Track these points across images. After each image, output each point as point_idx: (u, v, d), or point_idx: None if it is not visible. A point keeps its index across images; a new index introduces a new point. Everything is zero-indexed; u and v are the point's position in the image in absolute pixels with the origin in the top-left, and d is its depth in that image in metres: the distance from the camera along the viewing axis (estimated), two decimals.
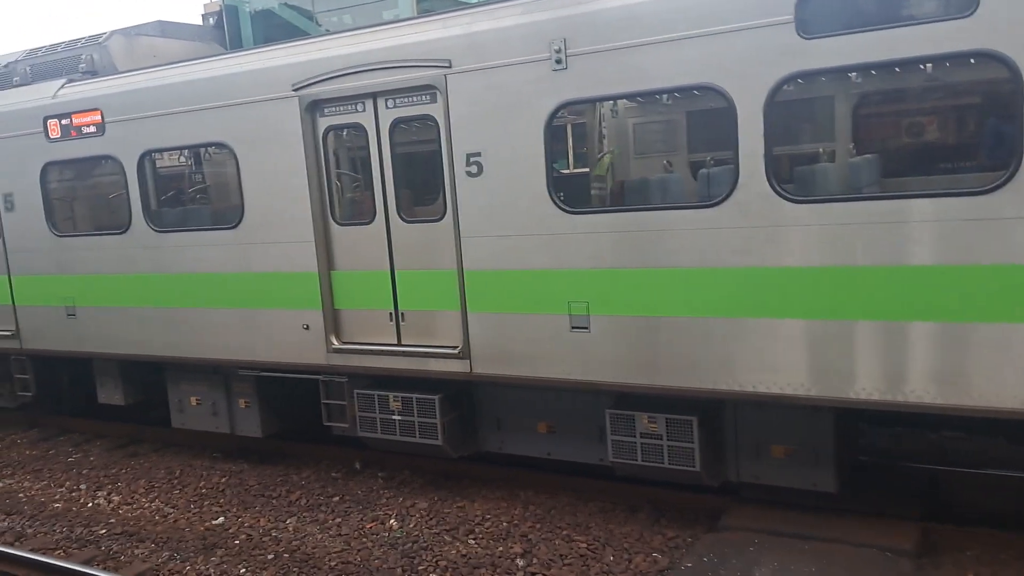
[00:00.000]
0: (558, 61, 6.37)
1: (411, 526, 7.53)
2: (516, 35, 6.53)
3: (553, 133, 6.63)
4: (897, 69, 5.62)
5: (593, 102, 6.73)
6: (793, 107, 6.18)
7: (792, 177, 6.07)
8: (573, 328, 6.69)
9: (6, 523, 8.44)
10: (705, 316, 6.18)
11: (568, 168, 7.92)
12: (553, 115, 6.51)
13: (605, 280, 6.51)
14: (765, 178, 5.80)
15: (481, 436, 7.89)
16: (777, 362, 5.98)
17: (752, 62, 5.70)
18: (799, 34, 5.53)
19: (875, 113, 6.61)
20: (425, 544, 7.15)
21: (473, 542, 7.14)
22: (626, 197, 6.86)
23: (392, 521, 7.66)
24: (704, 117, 7.05)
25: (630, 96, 6.53)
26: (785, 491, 6.67)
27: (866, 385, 5.72)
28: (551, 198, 6.59)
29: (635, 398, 6.78)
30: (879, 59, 5.38)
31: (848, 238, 5.61)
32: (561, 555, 6.76)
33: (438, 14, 7.27)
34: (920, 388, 5.56)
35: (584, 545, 6.88)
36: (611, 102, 7.07)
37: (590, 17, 6.24)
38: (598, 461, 7.32)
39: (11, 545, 7.62)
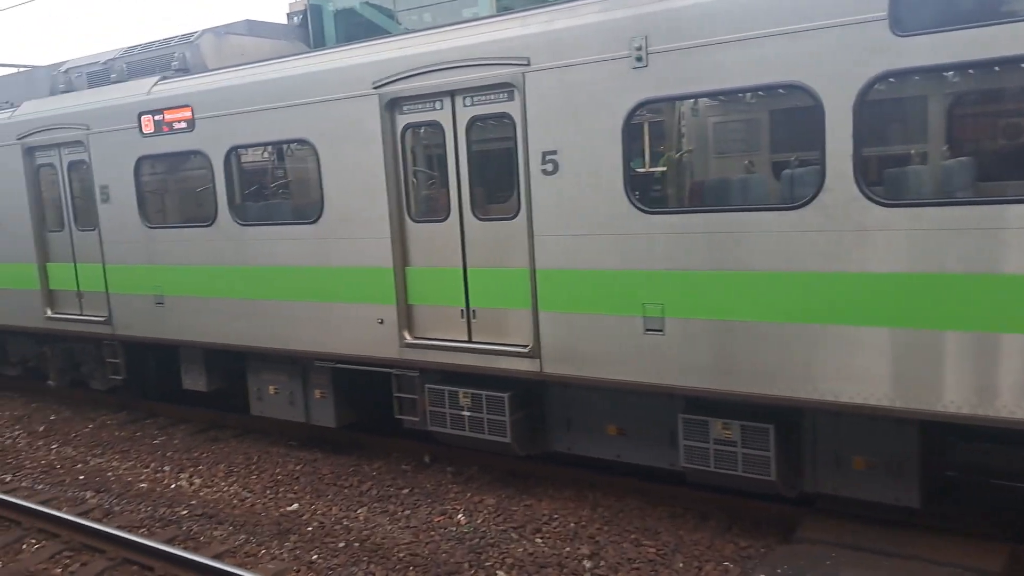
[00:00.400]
0: (638, 59, 6.28)
1: (478, 522, 7.56)
2: (596, 32, 6.47)
3: (631, 132, 6.55)
4: (996, 68, 5.34)
5: (673, 100, 6.61)
6: (884, 107, 5.94)
7: (881, 179, 5.84)
8: (647, 330, 6.60)
9: (95, 500, 8.84)
10: (785, 322, 6.00)
11: (645, 167, 7.81)
12: (632, 113, 6.43)
13: (681, 282, 6.39)
14: (853, 180, 5.60)
15: (550, 436, 7.87)
16: (860, 371, 5.76)
17: (842, 60, 5.51)
18: (893, 31, 5.31)
19: (971, 114, 6.30)
20: (492, 540, 7.17)
21: (540, 541, 7.12)
22: (705, 197, 6.72)
23: (460, 516, 7.71)
24: (789, 116, 6.86)
25: (712, 95, 6.39)
26: (865, 505, 6.44)
27: (955, 398, 5.46)
28: (628, 197, 6.51)
29: (709, 403, 6.64)
30: (977, 58, 5.12)
31: (940, 244, 5.36)
32: (629, 559, 6.68)
33: (517, 12, 7.26)
34: (1012, 403, 5.28)
35: (653, 550, 6.79)
36: (691, 100, 6.93)
37: (673, 14, 6.13)
38: (669, 466, 7.21)
39: (99, 521, 7.97)
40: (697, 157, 7.31)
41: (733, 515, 7.23)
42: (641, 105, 6.41)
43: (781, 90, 6.04)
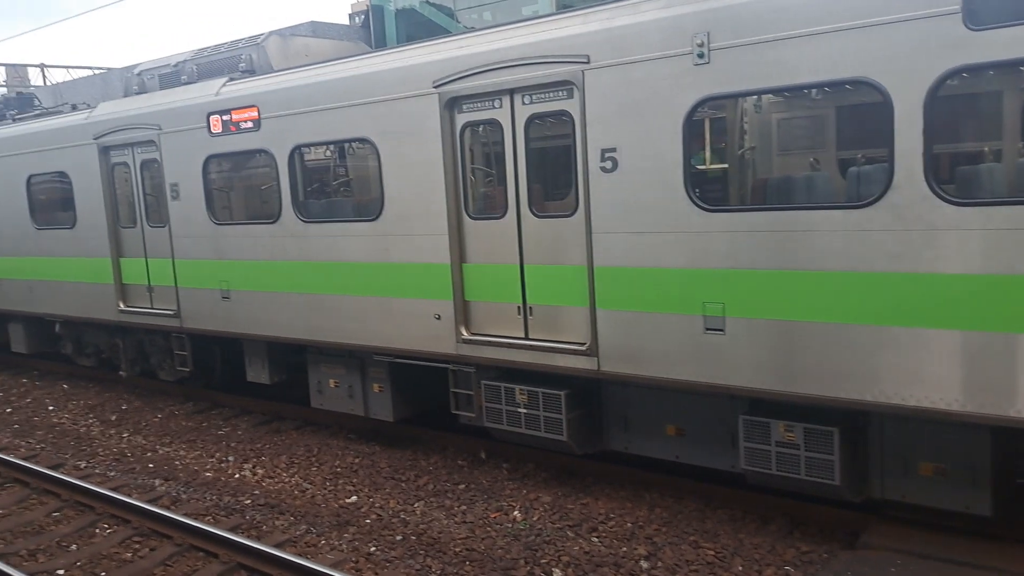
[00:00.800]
0: (700, 55, 6.20)
1: (534, 519, 7.58)
2: (657, 29, 6.41)
3: (692, 129, 6.47)
4: None
5: (736, 97, 6.51)
6: (956, 103, 5.75)
7: (953, 177, 5.65)
8: (707, 329, 6.52)
9: (164, 488, 9.12)
10: (851, 323, 5.86)
11: (706, 164, 7.71)
12: (693, 110, 6.35)
13: (743, 281, 6.30)
14: (923, 178, 5.44)
15: (607, 434, 7.83)
16: (929, 375, 5.59)
17: (913, 55, 5.35)
18: (967, 25, 5.13)
19: None
20: (548, 538, 7.18)
21: (596, 540, 7.10)
22: (768, 195, 6.60)
23: (516, 512, 7.73)
24: (856, 113, 6.69)
25: (776, 91, 6.27)
26: (934, 512, 6.25)
27: None
28: (688, 195, 6.43)
29: (771, 405, 6.53)
30: None
31: (1015, 244, 5.17)
32: (687, 561, 6.61)
33: (577, 9, 7.23)
34: None
35: (712, 553, 6.70)
36: (755, 97, 6.81)
37: (736, 10, 6.03)
38: (729, 468, 7.11)
39: (168, 508, 8.22)
40: (760, 154, 7.18)
41: (795, 519, 7.10)
42: (703, 102, 6.33)
43: (848, 86, 5.90)
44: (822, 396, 6.07)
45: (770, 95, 6.79)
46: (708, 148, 7.15)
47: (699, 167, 7.01)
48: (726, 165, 7.34)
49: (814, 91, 6.50)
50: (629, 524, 7.31)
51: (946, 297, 5.46)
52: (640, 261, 6.77)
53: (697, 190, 6.47)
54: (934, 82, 5.30)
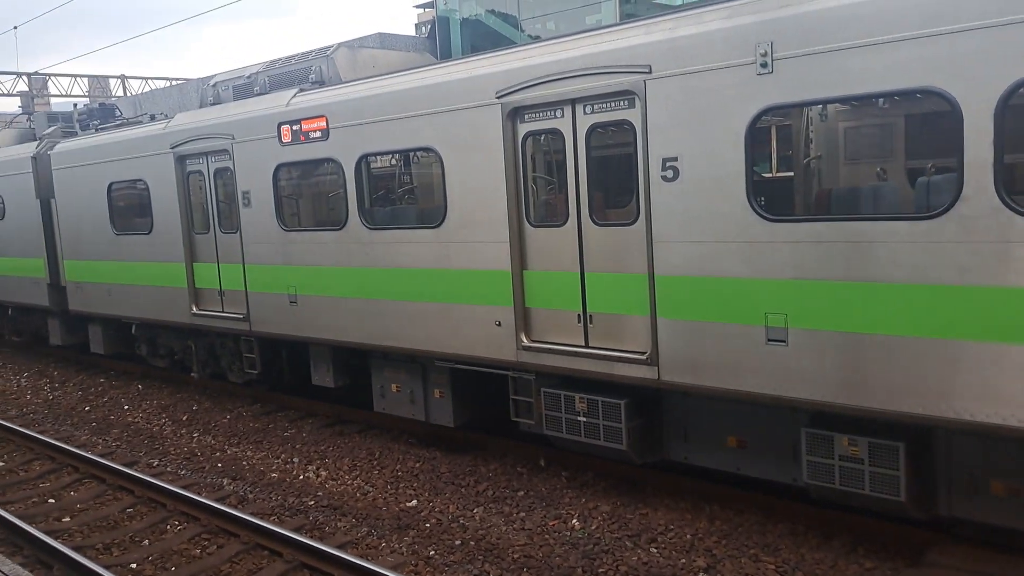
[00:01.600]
0: (763, 64, 6.16)
1: (593, 528, 7.59)
2: (720, 39, 6.39)
3: (755, 138, 6.43)
4: None
5: (799, 107, 6.44)
6: None
7: None
8: (769, 340, 6.45)
9: (232, 487, 9.41)
10: (919, 336, 5.73)
11: (769, 173, 7.63)
12: (756, 119, 6.31)
13: (807, 292, 6.22)
14: (994, 189, 5.30)
15: (667, 445, 7.79)
16: (1002, 391, 5.43)
17: (983, 63, 5.22)
18: None
19: None
20: (606, 547, 7.18)
21: (655, 551, 7.08)
22: (833, 205, 6.51)
23: (574, 521, 7.75)
24: (924, 122, 6.54)
25: (841, 100, 6.18)
26: (1005, 532, 6.06)
27: None
28: (751, 204, 6.39)
29: (834, 418, 6.42)
30: None
31: None
32: (747, 574, 6.54)
33: (640, 19, 7.26)
34: None
35: (772, 567, 6.62)
36: (819, 106, 6.73)
37: (800, 19, 5.98)
38: (791, 481, 7.01)
39: (235, 507, 8.48)
40: (824, 164, 7.08)
41: (859, 535, 6.95)
42: (766, 111, 6.29)
43: (917, 95, 5.79)
44: (888, 410, 5.94)
45: (835, 104, 6.70)
46: (771, 157, 7.09)
47: (762, 176, 6.95)
48: (790, 174, 7.26)
49: (881, 100, 6.39)
50: (688, 536, 7.27)
51: (1020, 312, 5.30)
52: (701, 270, 6.74)
53: (760, 199, 6.42)
54: (1005, 91, 5.17)
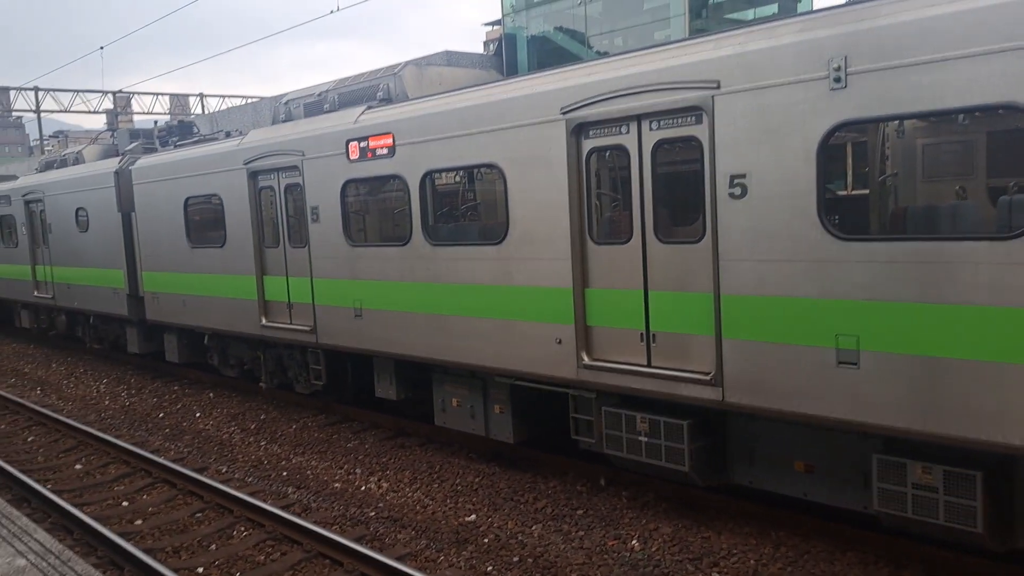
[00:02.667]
0: (836, 80, 6.02)
1: (653, 549, 7.46)
2: (791, 53, 6.28)
3: (827, 155, 6.27)
4: None
5: (874, 122, 6.27)
6: None
7: None
8: (840, 363, 6.26)
9: (296, 495, 9.56)
10: (998, 361, 5.49)
11: (842, 191, 7.43)
12: (828, 136, 6.17)
13: (879, 314, 6.02)
14: None
15: (731, 467, 7.62)
16: None
17: None
18: None
19: None
20: (667, 570, 7.05)
21: (717, 575, 6.91)
22: (909, 224, 6.30)
23: (634, 542, 7.64)
24: (1007, 139, 6.29)
25: (918, 116, 5.99)
26: None
27: None
28: (822, 223, 6.23)
29: (908, 444, 6.19)
30: None
31: None
32: None
33: (710, 34, 7.17)
34: None
35: None
36: (894, 122, 6.54)
37: (875, 33, 5.83)
38: (860, 508, 6.77)
39: (299, 515, 8.61)
40: (900, 181, 6.87)
41: (932, 566, 6.68)
42: (839, 127, 6.13)
43: (999, 111, 5.57)
44: (964, 438, 5.70)
45: (913, 120, 6.50)
46: (844, 175, 6.91)
47: (834, 194, 6.77)
48: (863, 192, 7.06)
49: (961, 116, 6.17)
50: (752, 561, 7.08)
51: None
52: (770, 290, 6.60)
53: (832, 218, 6.25)
54: None
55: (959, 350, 5.67)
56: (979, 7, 5.38)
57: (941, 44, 5.53)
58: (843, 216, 6.52)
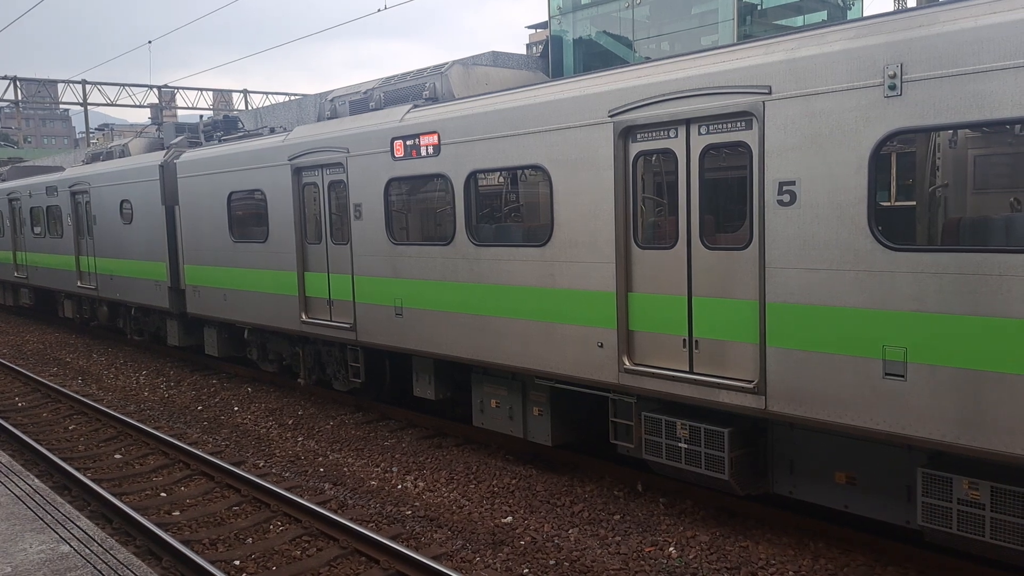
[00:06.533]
0: (891, 87, 5.94)
1: (690, 557, 7.41)
2: (844, 60, 6.21)
3: (879, 163, 6.19)
4: None
5: (929, 131, 6.18)
6: None
7: None
8: (886, 375, 6.18)
9: (333, 492, 9.63)
10: None
11: (893, 201, 7.34)
12: (881, 144, 6.08)
13: (929, 325, 5.93)
14: None
15: (771, 476, 7.54)
16: None
17: None
18: None
19: None
20: None
21: None
22: (961, 235, 6.20)
23: (671, 549, 7.59)
24: None
25: (973, 126, 5.89)
26: None
27: None
28: (872, 232, 6.15)
29: (954, 458, 6.08)
30: None
31: None
32: None
33: (760, 39, 7.12)
34: None
35: None
36: (949, 132, 6.44)
37: (932, 40, 5.75)
38: (904, 523, 6.67)
39: (336, 512, 8.67)
40: (952, 192, 6.76)
41: None
42: (892, 136, 6.05)
43: None
44: (1012, 454, 5.59)
45: (967, 130, 6.39)
46: (897, 183, 6.83)
47: (885, 203, 6.68)
48: (915, 202, 6.96)
49: (1017, 127, 6.06)
50: (791, 572, 7.00)
51: None
52: (816, 299, 6.53)
53: (882, 227, 6.17)
54: None
55: (1008, 364, 5.56)
56: None
57: (999, 53, 5.43)
58: (894, 226, 6.44)
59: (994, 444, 5.66)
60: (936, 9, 5.94)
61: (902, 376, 6.09)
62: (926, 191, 6.83)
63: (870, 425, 6.30)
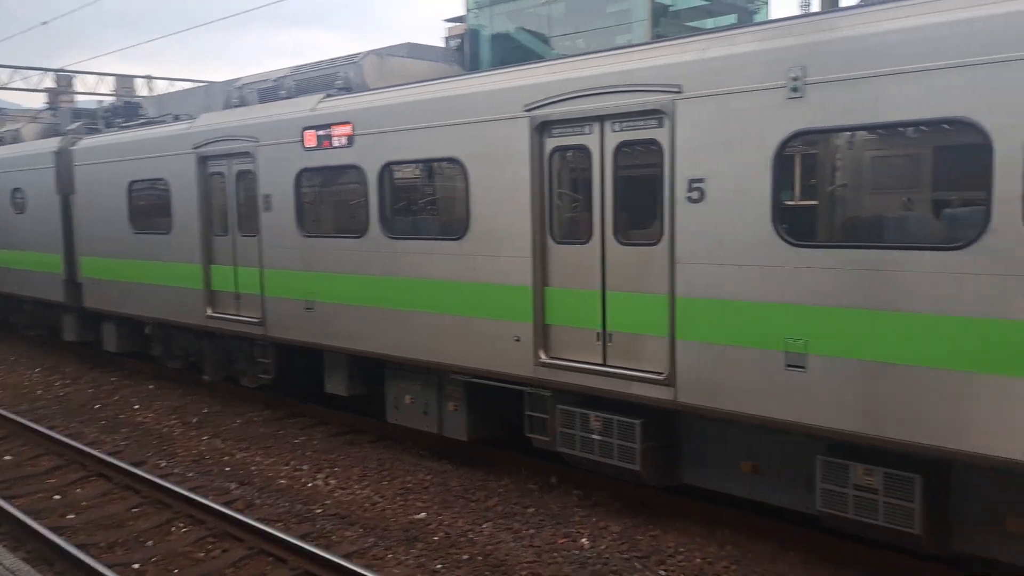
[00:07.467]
0: (794, 89, 6.16)
1: (602, 548, 7.52)
2: (752, 62, 6.40)
3: (782, 162, 6.42)
4: None
5: (829, 132, 6.43)
6: None
7: None
8: (788, 366, 6.41)
9: (239, 491, 9.37)
10: (940, 367, 5.68)
11: (795, 199, 7.61)
12: (784, 144, 6.31)
13: (827, 319, 6.18)
14: (1022, 222, 5.26)
15: (680, 467, 7.74)
16: (1021, 426, 5.37)
17: (1015, 95, 5.21)
18: None
19: None
20: (615, 568, 7.11)
21: (664, 573, 7.01)
22: (858, 233, 6.49)
23: (584, 540, 7.69)
24: (954, 153, 6.52)
25: (871, 128, 6.18)
26: (1021, 571, 5.97)
27: None
28: (775, 229, 6.37)
29: (851, 447, 6.36)
30: None
31: None
32: None
33: (673, 39, 7.27)
34: None
35: None
36: (848, 133, 6.72)
37: (833, 45, 5.98)
38: (804, 509, 6.94)
39: (242, 512, 8.43)
40: (851, 191, 7.06)
41: (871, 567, 6.87)
42: (795, 136, 6.28)
43: (947, 126, 5.77)
44: (905, 441, 5.89)
45: (864, 132, 6.68)
46: (798, 182, 7.07)
47: (788, 201, 6.92)
48: (815, 201, 7.24)
49: (911, 129, 6.37)
50: (698, 560, 7.19)
51: None
52: (723, 293, 6.71)
53: (784, 224, 6.40)
54: None
55: (902, 356, 5.85)
56: (933, 23, 5.56)
57: (896, 58, 5.70)
58: (796, 223, 6.67)
59: (888, 432, 5.95)
60: (837, 14, 6.19)
61: (803, 368, 6.33)
62: (827, 190, 7.11)
63: (773, 415, 6.53)
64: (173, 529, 8.30)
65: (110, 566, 7.26)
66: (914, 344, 5.79)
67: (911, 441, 5.86)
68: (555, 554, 7.44)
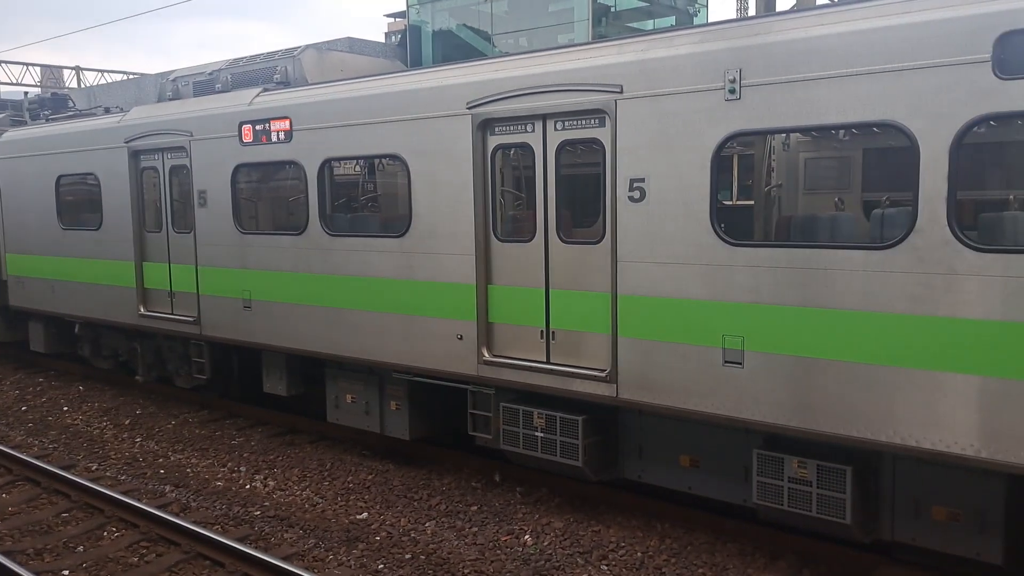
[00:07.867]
0: (732, 91, 6.30)
1: (545, 544, 7.58)
2: (690, 64, 6.52)
3: (720, 163, 6.55)
4: None
5: (764, 134, 6.60)
6: (982, 150, 5.82)
7: (976, 224, 5.71)
8: (726, 362, 6.56)
9: (174, 494, 9.16)
10: (869, 363, 5.89)
11: (733, 199, 7.81)
12: (722, 145, 6.44)
13: (763, 316, 6.35)
14: (946, 223, 5.49)
15: (622, 462, 7.85)
16: (945, 418, 5.61)
17: (941, 101, 5.43)
18: (996, 74, 5.21)
19: None
20: (557, 564, 7.18)
21: (606, 568, 7.10)
22: (792, 232, 6.67)
23: (527, 537, 7.74)
24: (882, 155, 6.78)
25: (803, 130, 6.37)
26: (944, 557, 6.23)
27: None
28: (713, 228, 6.50)
29: (786, 440, 6.55)
30: None
31: None
32: None
33: (613, 39, 7.35)
34: None
35: None
36: (783, 135, 6.92)
37: (768, 49, 6.14)
38: (741, 502, 7.11)
39: (177, 515, 8.25)
40: (786, 192, 7.27)
41: (805, 557, 7.08)
42: (732, 137, 6.41)
43: (875, 129, 5.98)
44: (837, 434, 6.08)
45: (798, 134, 6.89)
46: (736, 182, 7.26)
47: (726, 201, 7.09)
48: (751, 201, 7.43)
49: (842, 132, 6.59)
50: (639, 553, 7.31)
51: (965, 342, 5.49)
52: (663, 291, 6.83)
53: (723, 224, 6.53)
54: (961, 128, 5.36)
55: (833, 352, 6.04)
56: (862, 29, 5.74)
57: (826, 62, 5.87)
58: (732, 222, 6.83)
59: (821, 426, 6.14)
60: (772, 19, 6.36)
61: (740, 364, 6.48)
62: (763, 190, 7.31)
63: (711, 410, 6.67)
64: (105, 534, 8.07)
65: (37, 573, 7.04)
66: (845, 340, 5.98)
67: (842, 434, 6.06)
68: (498, 551, 7.47)
